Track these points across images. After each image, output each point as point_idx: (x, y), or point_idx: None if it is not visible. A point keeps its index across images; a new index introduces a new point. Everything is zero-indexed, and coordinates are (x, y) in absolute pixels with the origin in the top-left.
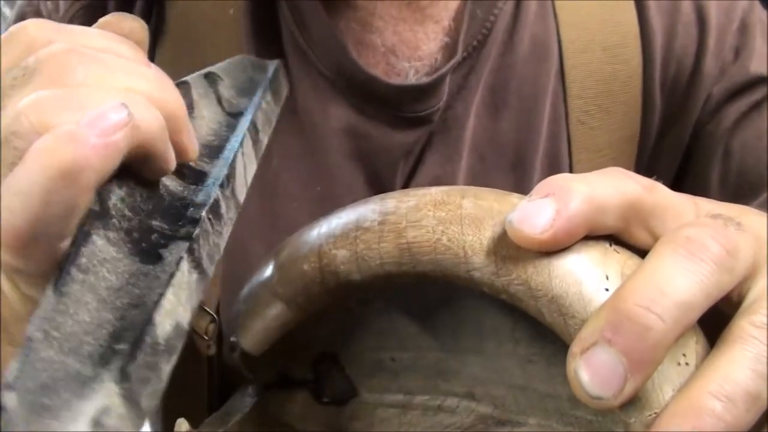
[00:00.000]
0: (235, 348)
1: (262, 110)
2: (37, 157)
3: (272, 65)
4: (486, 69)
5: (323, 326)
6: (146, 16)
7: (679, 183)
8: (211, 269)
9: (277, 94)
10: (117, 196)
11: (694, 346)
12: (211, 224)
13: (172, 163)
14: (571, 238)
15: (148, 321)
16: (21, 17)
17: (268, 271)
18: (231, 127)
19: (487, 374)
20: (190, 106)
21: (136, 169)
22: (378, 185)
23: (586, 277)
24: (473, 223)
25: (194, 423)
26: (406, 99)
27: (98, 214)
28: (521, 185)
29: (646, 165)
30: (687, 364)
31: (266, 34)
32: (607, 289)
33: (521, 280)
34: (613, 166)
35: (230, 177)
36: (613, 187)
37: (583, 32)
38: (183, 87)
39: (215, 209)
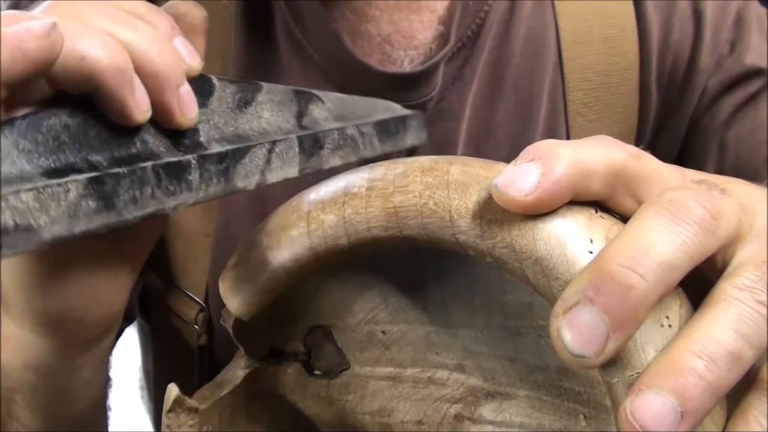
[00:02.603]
0: (226, 319)
1: (341, 132)
2: None
3: (413, 115)
4: (481, 60)
5: (315, 300)
6: None
7: None
8: (128, 213)
9: (392, 137)
10: (60, 121)
11: (677, 309)
12: (158, 178)
13: (134, 110)
14: (556, 202)
15: None
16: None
17: (257, 237)
18: (287, 134)
19: (478, 347)
20: (245, 102)
21: (101, 110)
22: None
23: (570, 240)
24: (459, 187)
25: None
26: (399, 87)
27: (19, 124)
28: None
29: None
30: (670, 326)
31: (259, 23)
32: (591, 252)
33: (506, 242)
34: None
35: (226, 157)
36: (600, 153)
37: (580, 24)
38: (250, 85)
39: (176, 170)
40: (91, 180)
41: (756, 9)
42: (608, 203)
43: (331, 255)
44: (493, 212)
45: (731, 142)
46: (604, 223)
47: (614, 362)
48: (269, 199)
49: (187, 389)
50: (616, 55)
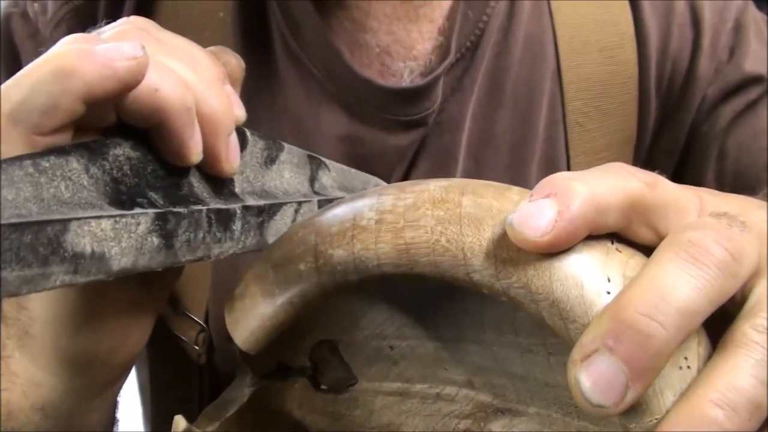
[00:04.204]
0: (232, 339)
1: None
2: (46, 56)
3: None
4: (480, 70)
5: (321, 314)
6: (137, 14)
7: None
8: (182, 255)
9: None
10: (123, 152)
11: (696, 348)
12: (209, 224)
13: (191, 151)
14: (573, 240)
15: (62, 222)
16: (6, 19)
17: (263, 269)
18: (305, 196)
19: (487, 363)
20: (271, 160)
21: (158, 146)
22: None
23: (587, 280)
24: (472, 223)
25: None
26: (400, 102)
27: (90, 149)
28: None
29: (642, 167)
30: (689, 367)
31: (256, 37)
32: (608, 292)
33: (521, 283)
34: None
35: (263, 212)
36: (615, 186)
37: (579, 33)
38: (275, 143)
39: (224, 218)
40: (158, 216)
41: (754, 14)
42: (624, 233)
43: (340, 290)
44: (508, 250)
45: (731, 149)
46: (621, 258)
47: (633, 408)
48: None
49: (186, 407)
50: (615, 63)
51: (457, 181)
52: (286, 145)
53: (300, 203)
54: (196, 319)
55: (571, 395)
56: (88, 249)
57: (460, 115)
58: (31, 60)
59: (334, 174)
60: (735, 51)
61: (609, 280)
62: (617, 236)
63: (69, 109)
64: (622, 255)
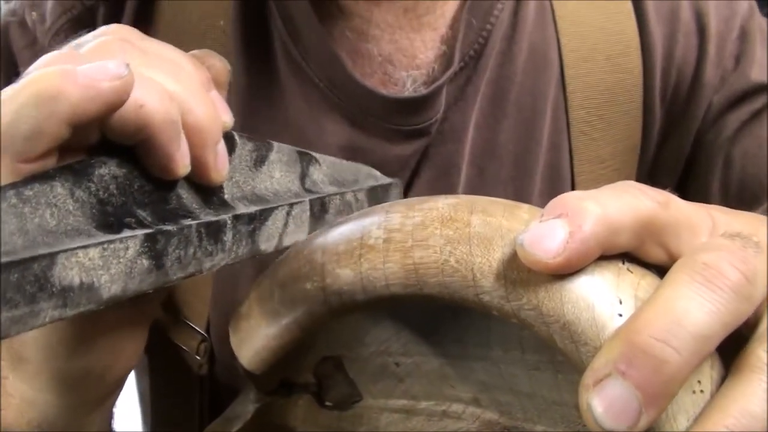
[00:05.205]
0: (236, 355)
1: (342, 197)
2: (28, 79)
3: (394, 183)
4: (484, 79)
5: (326, 331)
6: (136, 23)
7: (680, 193)
8: (173, 274)
9: (377, 201)
10: (109, 171)
11: (709, 372)
12: (200, 238)
13: (179, 164)
14: (585, 261)
15: (49, 256)
16: (5, 28)
17: (268, 288)
18: (296, 196)
19: (494, 380)
20: (260, 161)
21: (144, 162)
22: None
23: (598, 302)
24: (482, 243)
25: None
26: (403, 112)
27: (74, 171)
28: (521, 198)
29: (647, 176)
30: (702, 391)
31: (257, 45)
32: (620, 315)
33: (532, 305)
34: (616, 177)
35: (254, 219)
36: (627, 205)
37: (583, 41)
38: (263, 144)
39: (214, 230)
40: (146, 237)
41: (759, 22)
42: (636, 253)
43: (347, 310)
44: (518, 271)
45: (736, 158)
46: (633, 279)
47: None
48: None
49: (187, 416)
50: (620, 72)
51: (465, 199)
52: (275, 144)
53: (291, 205)
54: (197, 328)
55: (579, 414)
56: (77, 280)
57: (464, 124)
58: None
59: (325, 168)
60: (741, 59)
61: (621, 302)
62: (628, 256)
63: (54, 134)
64: (633, 276)
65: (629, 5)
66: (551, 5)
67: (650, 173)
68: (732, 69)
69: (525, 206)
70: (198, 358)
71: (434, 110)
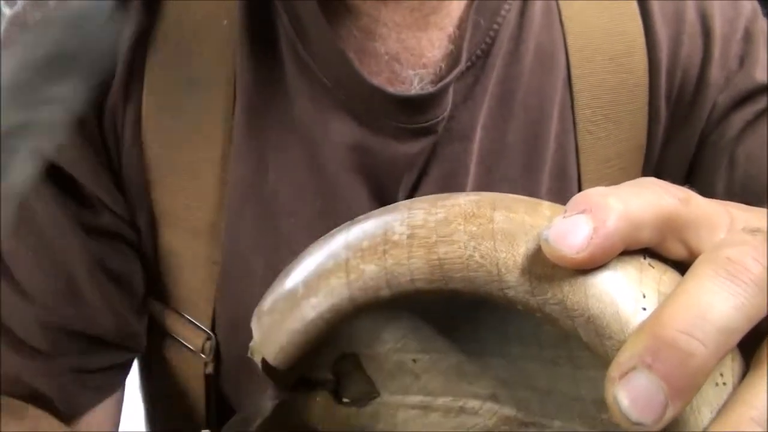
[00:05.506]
0: (253, 353)
1: None
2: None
3: None
4: (491, 79)
5: (343, 328)
6: (140, 23)
7: None
8: None
9: None
10: None
11: (730, 364)
12: None
13: None
14: (608, 256)
15: None
16: (6, 30)
17: (292, 284)
18: None
19: (511, 376)
20: None
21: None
22: (381, 199)
23: (622, 297)
24: (506, 238)
25: None
26: (410, 110)
27: None
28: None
29: (652, 176)
30: (725, 383)
31: (263, 45)
32: (644, 309)
33: (557, 299)
34: (622, 176)
35: None
36: (649, 201)
37: (589, 41)
38: None
39: None
40: None
41: (762, 24)
42: (656, 248)
43: (372, 305)
44: (543, 266)
45: (741, 159)
46: (655, 274)
47: (669, 425)
48: (279, 228)
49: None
50: (626, 72)
51: (487, 196)
52: None
53: None
54: (202, 327)
55: (596, 410)
56: None
57: (471, 123)
58: None
59: None
60: (745, 60)
61: (644, 296)
62: (649, 251)
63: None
64: (655, 270)
65: (635, 6)
66: (558, 6)
67: (655, 173)
68: (736, 70)
69: (546, 203)
70: (203, 356)
71: (441, 108)
